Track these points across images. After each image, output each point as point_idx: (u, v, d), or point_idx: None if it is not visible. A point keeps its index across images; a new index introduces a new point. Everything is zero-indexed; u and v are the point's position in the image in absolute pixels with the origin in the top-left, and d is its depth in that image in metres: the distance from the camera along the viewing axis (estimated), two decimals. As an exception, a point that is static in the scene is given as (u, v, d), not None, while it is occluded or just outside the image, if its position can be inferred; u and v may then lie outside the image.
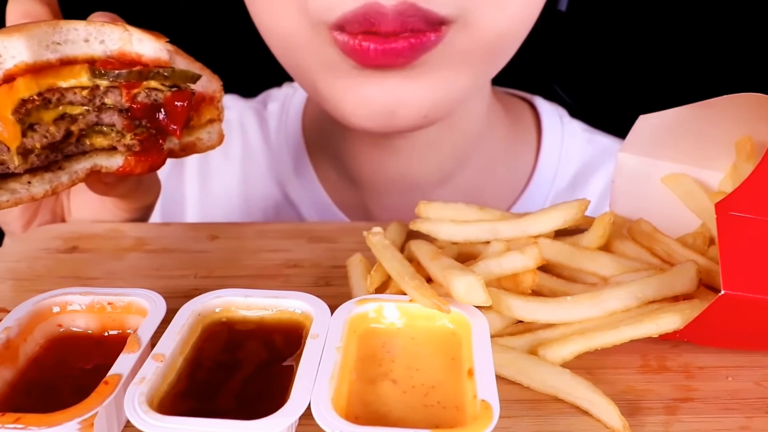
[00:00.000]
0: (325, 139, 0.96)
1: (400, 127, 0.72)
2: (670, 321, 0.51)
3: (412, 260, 0.58)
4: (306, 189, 0.97)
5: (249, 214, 0.99)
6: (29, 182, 0.56)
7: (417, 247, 0.59)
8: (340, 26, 0.65)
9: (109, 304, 0.52)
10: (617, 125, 1.01)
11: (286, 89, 1.07)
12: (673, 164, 0.67)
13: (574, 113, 1.05)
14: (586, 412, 0.49)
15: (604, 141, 1.02)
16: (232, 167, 1.01)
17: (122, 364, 0.46)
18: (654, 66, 1.32)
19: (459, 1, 0.65)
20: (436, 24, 0.64)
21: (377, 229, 0.60)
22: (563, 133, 1.00)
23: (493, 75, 0.77)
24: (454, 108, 0.75)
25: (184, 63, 0.59)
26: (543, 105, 1.03)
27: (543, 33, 0.94)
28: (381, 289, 0.58)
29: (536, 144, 1.00)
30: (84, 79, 0.56)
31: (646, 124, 0.66)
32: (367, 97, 0.69)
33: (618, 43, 1.29)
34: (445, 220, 0.61)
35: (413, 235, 0.64)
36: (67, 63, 0.56)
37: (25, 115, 0.53)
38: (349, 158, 0.92)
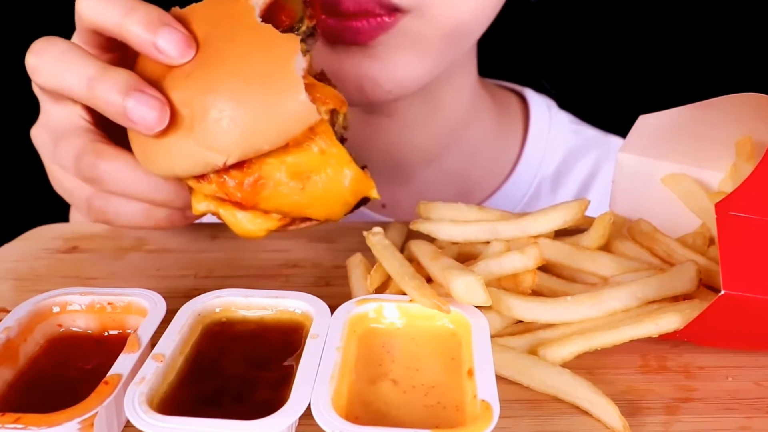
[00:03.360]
0: None
1: (369, 100, 0.77)
2: (670, 321, 0.51)
3: (412, 260, 0.58)
4: None
5: None
6: None
7: (417, 247, 0.59)
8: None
9: (109, 304, 0.52)
10: (604, 119, 1.04)
11: None
12: (673, 164, 0.67)
13: (563, 106, 1.07)
14: (586, 412, 0.49)
15: (589, 132, 1.06)
16: None
17: (122, 364, 0.46)
18: (646, 62, 1.32)
19: None
20: (391, 9, 0.71)
21: (377, 229, 0.60)
22: (551, 123, 1.04)
23: (456, 57, 0.82)
24: (421, 85, 0.79)
25: None
26: (532, 96, 1.07)
27: (519, 24, 0.97)
28: (381, 289, 0.58)
29: (523, 133, 1.04)
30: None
31: (646, 124, 0.66)
32: (339, 72, 0.76)
33: (605, 35, 1.30)
34: (445, 220, 0.61)
35: (413, 235, 0.64)
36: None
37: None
38: None
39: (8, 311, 0.51)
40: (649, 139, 0.66)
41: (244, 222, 0.57)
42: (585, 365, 0.52)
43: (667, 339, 0.53)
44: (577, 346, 0.52)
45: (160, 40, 0.52)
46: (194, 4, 0.57)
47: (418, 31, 0.73)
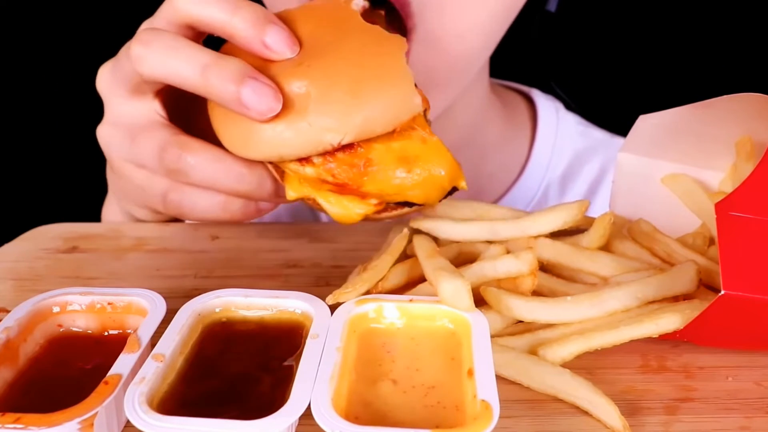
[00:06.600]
0: None
1: None
2: (670, 321, 0.51)
3: (413, 256, 0.58)
4: None
5: None
6: None
7: (417, 243, 0.59)
8: None
9: (109, 304, 0.52)
10: (612, 121, 1.04)
11: None
12: (673, 164, 0.67)
13: (571, 108, 1.08)
14: (586, 412, 0.49)
15: (597, 134, 1.06)
16: None
17: (122, 364, 0.46)
18: (652, 65, 1.32)
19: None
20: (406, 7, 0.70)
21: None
22: (558, 126, 1.04)
23: (467, 83, 0.82)
24: (436, 116, 0.78)
25: None
26: (540, 98, 1.07)
27: (536, 32, 0.96)
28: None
29: (531, 135, 1.04)
30: None
31: (646, 124, 0.66)
32: None
33: (614, 40, 1.30)
34: (445, 218, 0.62)
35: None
36: None
37: None
38: None
39: (8, 311, 0.51)
40: (649, 139, 0.66)
41: (340, 206, 0.58)
42: (585, 365, 0.52)
43: (667, 339, 0.53)
44: (577, 346, 0.52)
45: (268, 37, 0.55)
46: (289, 9, 0.60)
47: (429, 65, 0.73)
